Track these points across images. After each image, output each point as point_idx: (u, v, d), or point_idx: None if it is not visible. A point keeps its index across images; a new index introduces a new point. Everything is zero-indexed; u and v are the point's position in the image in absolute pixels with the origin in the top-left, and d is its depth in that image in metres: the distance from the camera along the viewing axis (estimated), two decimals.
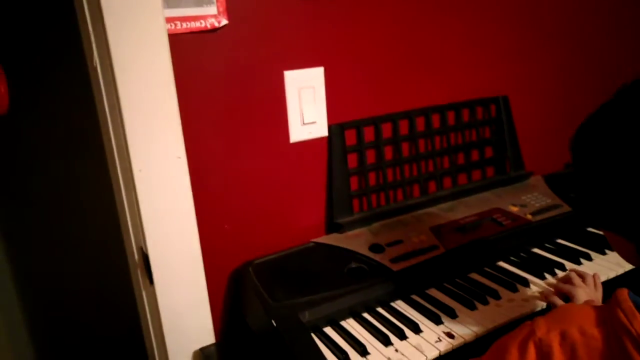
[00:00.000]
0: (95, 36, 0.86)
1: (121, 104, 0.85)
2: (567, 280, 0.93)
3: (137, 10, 0.83)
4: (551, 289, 0.95)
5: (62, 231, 1.72)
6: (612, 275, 0.99)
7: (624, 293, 0.57)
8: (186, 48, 0.93)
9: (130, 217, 0.97)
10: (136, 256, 0.99)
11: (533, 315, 0.92)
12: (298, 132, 1.06)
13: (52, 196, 1.69)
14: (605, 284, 0.98)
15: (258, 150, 1.04)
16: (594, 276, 0.93)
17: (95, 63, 0.88)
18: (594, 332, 0.56)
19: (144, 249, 0.95)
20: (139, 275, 1.01)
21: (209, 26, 0.93)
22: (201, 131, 0.99)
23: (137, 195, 0.90)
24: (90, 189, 1.64)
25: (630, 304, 0.55)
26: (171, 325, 0.98)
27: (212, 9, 0.92)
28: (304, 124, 1.06)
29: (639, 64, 1.33)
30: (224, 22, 0.94)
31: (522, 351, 0.59)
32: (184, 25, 0.91)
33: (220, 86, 0.98)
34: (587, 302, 0.85)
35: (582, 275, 0.93)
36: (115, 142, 0.92)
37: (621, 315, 0.55)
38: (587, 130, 0.61)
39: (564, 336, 0.57)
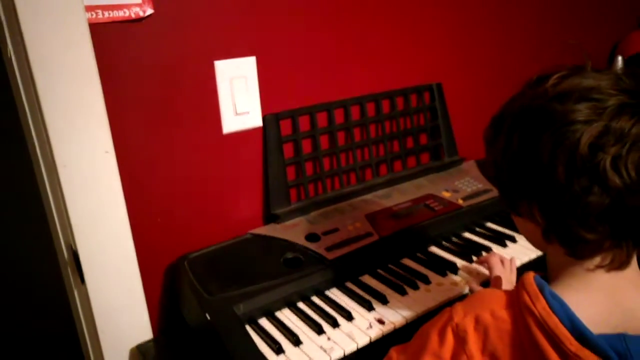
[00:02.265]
0: (8, 25, 0.82)
1: (40, 98, 0.81)
2: (488, 259, 0.98)
3: None
4: (471, 278, 1.00)
5: None
6: (533, 256, 1.05)
7: (529, 277, 0.60)
8: (110, 38, 0.90)
9: (57, 214, 0.94)
10: (66, 254, 0.97)
11: (461, 298, 0.96)
12: (231, 123, 1.05)
13: None
14: (528, 265, 1.04)
15: (190, 142, 1.02)
16: (510, 260, 0.97)
17: (10, 54, 0.83)
18: (504, 314, 0.59)
19: (73, 247, 0.92)
20: (69, 274, 0.98)
21: (133, 15, 0.90)
22: (131, 125, 0.96)
23: (63, 192, 0.88)
24: (21, 181, 1.56)
25: (535, 287, 0.58)
26: (105, 324, 0.97)
27: None
28: (237, 114, 1.05)
29: (566, 52, 1.39)
30: (150, 11, 0.91)
31: (442, 337, 0.61)
32: (107, 14, 0.88)
33: (149, 77, 0.96)
34: (497, 279, 0.90)
35: (501, 259, 0.97)
36: (36, 137, 0.89)
37: (526, 297, 0.58)
38: (495, 121, 0.64)
39: (477, 320, 0.59)
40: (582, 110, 0.53)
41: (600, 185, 0.52)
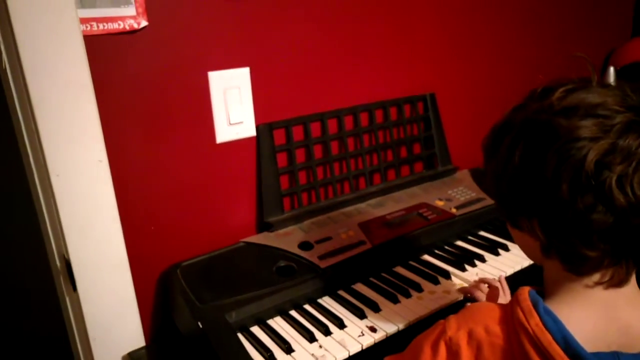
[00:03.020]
0: (3, 37, 0.83)
1: (34, 108, 0.82)
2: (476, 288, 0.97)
3: (48, 10, 0.80)
4: (472, 283, 0.99)
5: None
6: (525, 264, 1.05)
7: (524, 292, 0.59)
8: (105, 50, 0.91)
9: (50, 223, 0.94)
10: (58, 263, 0.97)
11: (453, 306, 0.96)
12: (225, 133, 1.06)
13: None
14: (521, 272, 1.05)
15: (184, 152, 1.03)
16: (499, 281, 0.96)
17: (4, 65, 0.85)
18: (497, 329, 0.58)
19: (65, 255, 0.93)
20: (62, 282, 0.99)
21: (128, 28, 0.92)
22: (125, 134, 0.97)
23: (56, 201, 0.88)
24: (15, 190, 1.57)
25: (529, 302, 0.58)
26: (97, 331, 0.97)
27: (131, 10, 0.91)
28: (230, 124, 1.06)
29: (563, 65, 1.41)
30: (144, 23, 0.93)
31: (435, 350, 0.61)
32: (101, 26, 0.89)
33: (144, 89, 0.97)
34: (492, 290, 0.90)
35: (487, 281, 0.97)
36: (30, 146, 0.90)
37: (520, 313, 0.57)
38: (495, 131, 0.63)
39: (471, 335, 0.59)
40: (589, 127, 0.52)
41: (604, 203, 0.51)
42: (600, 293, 0.57)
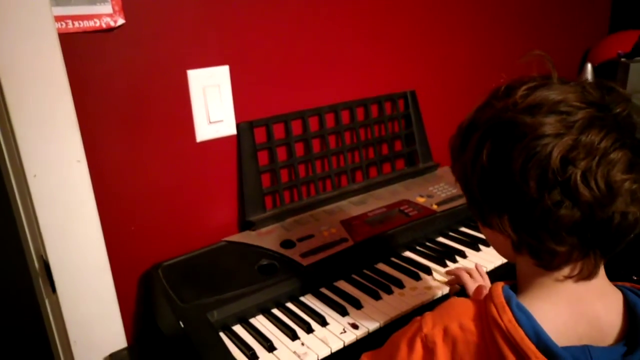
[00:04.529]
0: None
1: (8, 107, 0.81)
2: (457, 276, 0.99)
3: (21, 7, 0.79)
4: (453, 276, 1.01)
5: None
6: (506, 260, 1.06)
7: (498, 288, 0.60)
8: (82, 49, 0.90)
9: (28, 224, 0.93)
10: (36, 264, 0.96)
11: (434, 302, 0.97)
12: (204, 131, 1.06)
13: None
14: (502, 267, 1.06)
15: (164, 151, 1.03)
16: (476, 268, 0.99)
17: None
18: (471, 326, 0.59)
19: (44, 256, 0.92)
20: (40, 284, 0.97)
21: (104, 26, 0.91)
22: (103, 134, 0.96)
23: (33, 201, 0.87)
24: None
25: (502, 299, 0.58)
26: (78, 333, 0.96)
27: (107, 8, 0.90)
28: (210, 122, 1.06)
29: (537, 61, 1.42)
30: (121, 21, 0.92)
31: (411, 347, 0.61)
32: (77, 24, 0.88)
33: (122, 87, 0.96)
34: (478, 289, 0.91)
35: (469, 271, 0.98)
36: (5, 147, 0.88)
37: (493, 310, 0.57)
38: (462, 131, 0.63)
39: (446, 332, 0.59)
40: (552, 124, 0.53)
41: (571, 199, 0.52)
42: (570, 286, 0.58)
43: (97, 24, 0.90)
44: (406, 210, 1.20)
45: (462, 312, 0.61)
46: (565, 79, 0.59)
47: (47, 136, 0.86)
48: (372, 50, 1.30)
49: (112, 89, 0.95)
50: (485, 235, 0.68)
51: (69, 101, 0.87)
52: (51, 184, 0.88)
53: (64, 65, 0.85)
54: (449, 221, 1.21)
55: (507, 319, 0.56)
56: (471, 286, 0.94)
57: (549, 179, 0.53)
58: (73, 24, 0.87)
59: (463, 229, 1.21)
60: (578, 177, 0.52)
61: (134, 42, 0.95)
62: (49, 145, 0.86)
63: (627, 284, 0.63)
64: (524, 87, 0.57)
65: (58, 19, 0.85)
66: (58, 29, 0.84)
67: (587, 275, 0.58)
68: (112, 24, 0.91)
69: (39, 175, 0.86)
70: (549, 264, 0.58)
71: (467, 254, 1.11)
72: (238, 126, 1.10)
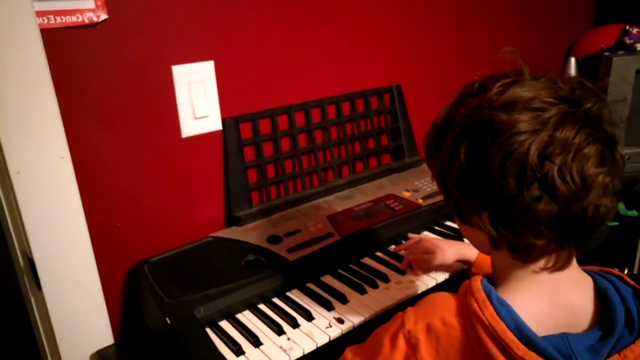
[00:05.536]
0: None
1: None
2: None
3: (1, 2, 0.78)
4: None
5: None
6: None
7: (477, 282, 0.61)
8: (64, 44, 0.89)
9: (12, 221, 0.92)
10: (21, 262, 0.95)
11: (419, 296, 0.98)
12: (190, 127, 1.06)
13: None
14: None
15: (148, 146, 1.02)
16: (421, 239, 1.04)
17: None
18: (454, 321, 0.60)
19: (29, 254, 0.91)
20: (26, 281, 0.97)
21: (87, 21, 0.90)
22: (88, 130, 0.96)
23: (17, 198, 0.87)
24: None
25: (482, 293, 0.59)
26: (64, 330, 0.96)
27: (90, 3, 0.89)
28: (195, 118, 1.06)
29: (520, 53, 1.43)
30: (104, 16, 0.91)
31: (394, 343, 0.62)
32: (59, 19, 0.87)
33: (106, 83, 0.95)
34: (480, 262, 0.93)
35: (417, 250, 1.03)
36: None
37: (474, 304, 0.58)
38: (437, 128, 0.64)
39: (429, 327, 0.60)
40: (527, 121, 0.54)
41: (549, 194, 0.54)
42: (545, 277, 0.60)
43: (80, 19, 0.89)
44: (392, 205, 1.21)
45: (444, 307, 0.62)
46: (537, 74, 0.60)
47: (31, 133, 0.85)
48: (358, 44, 1.30)
49: (96, 84, 0.94)
50: (462, 232, 0.69)
51: (52, 97, 0.86)
52: (35, 181, 0.87)
53: (47, 60, 0.84)
54: (434, 215, 1.22)
55: (489, 313, 0.57)
56: (443, 256, 0.97)
57: (528, 175, 0.54)
58: (55, 19, 0.87)
59: (448, 223, 1.23)
60: (555, 173, 0.53)
61: (118, 38, 0.94)
62: (33, 141, 0.86)
63: (596, 268, 0.65)
64: (497, 84, 0.58)
65: (40, 14, 0.84)
66: (40, 24, 0.83)
67: (561, 266, 0.60)
68: (95, 19, 0.90)
69: (22, 172, 0.86)
70: (526, 257, 0.59)
71: None
72: (224, 121, 1.10)
